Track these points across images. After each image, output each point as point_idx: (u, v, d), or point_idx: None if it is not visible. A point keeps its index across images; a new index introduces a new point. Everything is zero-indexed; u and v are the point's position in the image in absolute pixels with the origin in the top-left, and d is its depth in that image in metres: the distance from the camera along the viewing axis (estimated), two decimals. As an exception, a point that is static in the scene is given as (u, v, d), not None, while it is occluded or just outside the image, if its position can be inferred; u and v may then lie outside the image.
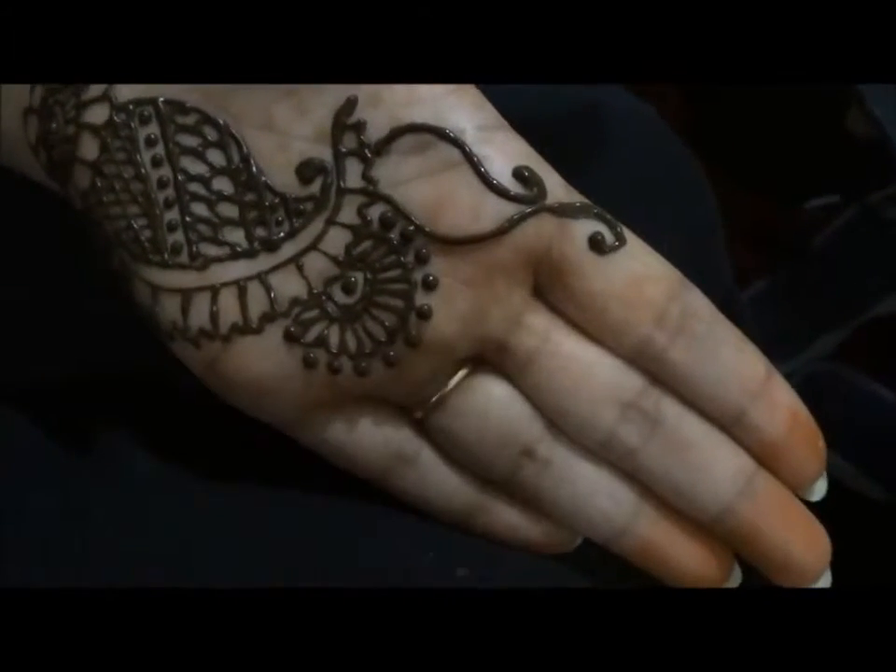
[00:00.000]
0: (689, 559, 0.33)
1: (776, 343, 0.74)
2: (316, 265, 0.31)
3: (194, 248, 0.32)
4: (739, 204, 0.53)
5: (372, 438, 0.33)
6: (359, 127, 0.31)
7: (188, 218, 0.32)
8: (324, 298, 0.31)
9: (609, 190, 0.33)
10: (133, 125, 0.32)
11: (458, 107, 0.31)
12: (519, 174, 0.31)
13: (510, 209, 0.31)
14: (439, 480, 0.34)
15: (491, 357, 0.33)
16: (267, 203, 0.31)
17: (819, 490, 0.33)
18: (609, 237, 0.31)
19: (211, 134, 0.31)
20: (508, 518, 0.34)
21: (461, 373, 0.33)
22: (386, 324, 0.31)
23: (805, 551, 0.33)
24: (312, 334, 0.32)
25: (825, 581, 0.33)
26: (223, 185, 0.32)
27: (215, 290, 0.32)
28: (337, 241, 0.31)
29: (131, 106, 0.32)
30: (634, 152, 0.44)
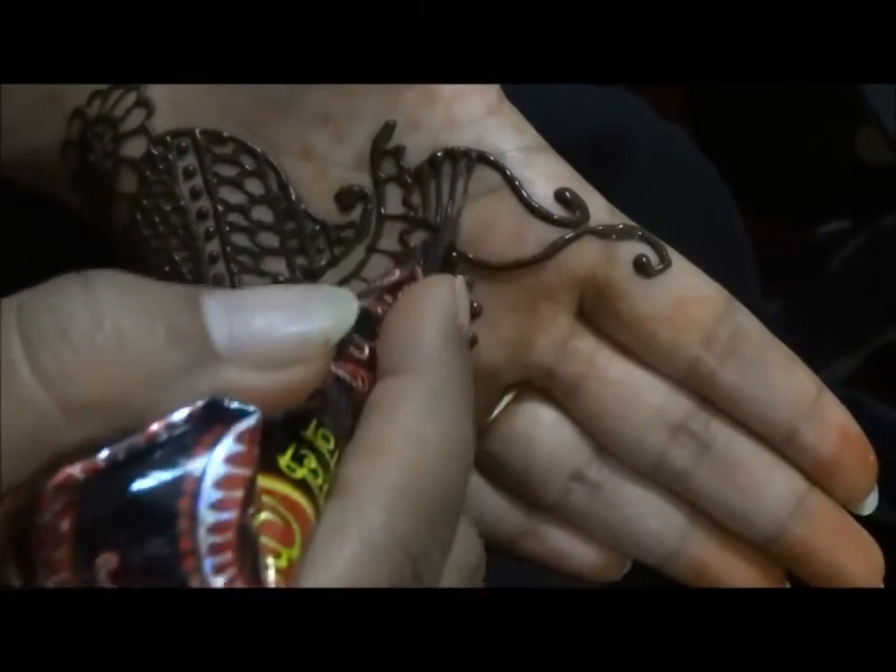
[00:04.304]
0: (741, 579, 0.33)
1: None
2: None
3: (236, 279, 0.32)
4: (752, 229, 0.53)
5: None
6: (398, 152, 0.31)
7: (228, 249, 0.32)
8: None
9: (639, 215, 0.32)
10: (170, 157, 0.32)
11: (499, 130, 0.31)
12: (561, 196, 0.30)
13: (553, 233, 0.30)
14: (486, 504, 0.33)
15: (537, 383, 0.32)
16: (307, 232, 0.31)
17: (870, 504, 0.33)
18: (654, 259, 0.31)
19: (249, 163, 0.31)
20: (556, 543, 0.33)
21: (507, 398, 0.32)
22: None
23: (859, 567, 0.32)
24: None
25: None
26: (263, 214, 0.31)
27: None
28: (379, 268, 0.31)
29: (168, 138, 0.31)
30: (664, 175, 0.43)
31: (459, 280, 0.28)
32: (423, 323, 0.26)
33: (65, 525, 0.19)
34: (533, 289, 0.31)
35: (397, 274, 0.29)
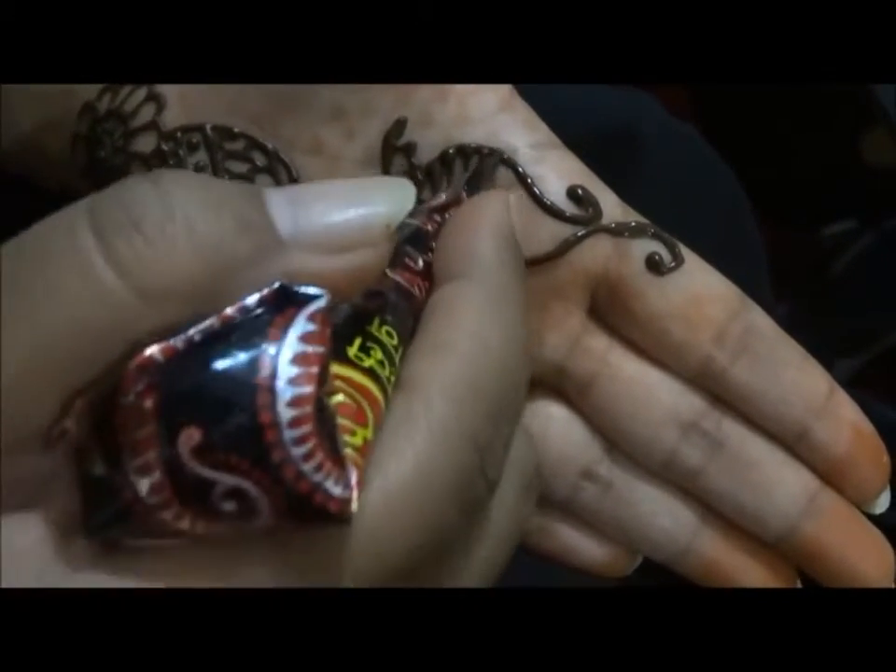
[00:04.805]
0: (752, 578, 0.33)
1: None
2: None
3: None
4: (757, 230, 0.53)
5: None
6: (410, 149, 0.31)
7: None
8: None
9: (651, 213, 0.32)
10: (181, 153, 0.31)
11: (511, 126, 0.30)
12: (574, 193, 0.30)
13: (565, 230, 0.30)
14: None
15: (549, 380, 0.32)
16: None
17: (882, 503, 0.33)
18: (666, 257, 0.31)
19: (259, 160, 0.31)
20: (566, 540, 0.33)
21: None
22: None
23: (870, 566, 0.32)
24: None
25: None
26: None
27: None
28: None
29: (178, 134, 0.31)
30: (676, 173, 0.43)
31: (513, 196, 0.29)
32: (479, 233, 0.27)
33: (148, 403, 0.20)
34: (545, 287, 0.31)
35: (443, 198, 0.29)
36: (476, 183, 0.30)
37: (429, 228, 0.28)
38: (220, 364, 0.20)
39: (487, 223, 0.27)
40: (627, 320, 0.31)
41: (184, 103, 0.31)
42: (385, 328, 0.25)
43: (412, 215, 0.28)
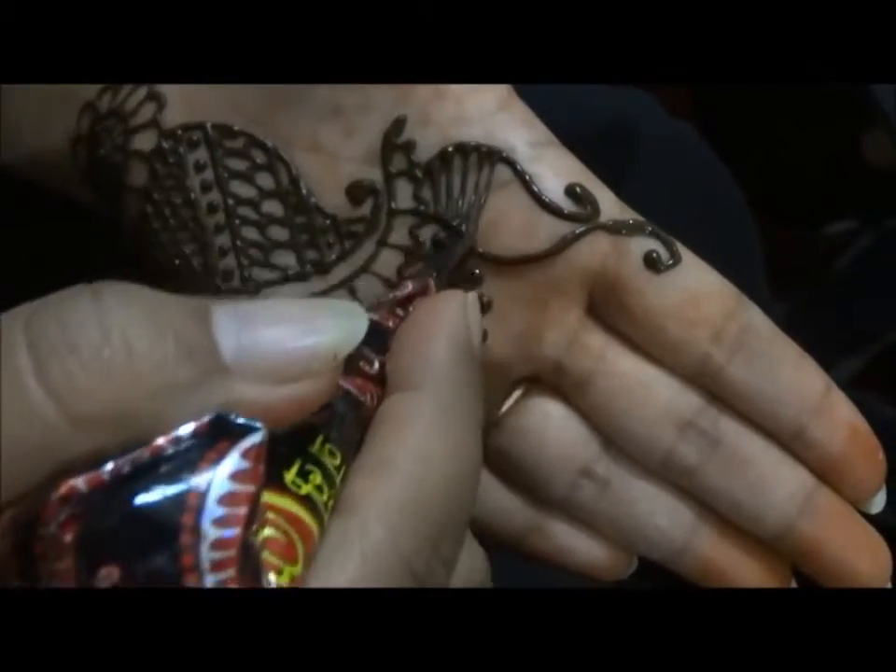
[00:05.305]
0: (748, 576, 0.33)
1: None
2: (369, 287, 0.31)
3: (245, 273, 0.32)
4: (758, 229, 0.53)
5: None
6: (409, 147, 0.31)
7: (238, 243, 0.32)
8: None
9: (649, 211, 0.33)
10: (181, 151, 0.32)
11: (509, 125, 0.31)
12: (571, 191, 0.30)
13: (563, 228, 0.30)
14: (494, 500, 0.33)
15: (547, 378, 0.32)
16: (317, 226, 0.31)
17: (878, 503, 0.33)
18: (664, 255, 0.31)
19: (259, 157, 0.31)
20: (564, 540, 0.33)
21: (517, 393, 0.32)
22: None
23: (866, 564, 0.32)
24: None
25: None
26: (273, 208, 0.31)
27: None
28: (389, 263, 0.31)
29: (179, 132, 0.31)
30: (674, 171, 0.43)
31: (472, 296, 0.28)
32: (433, 340, 0.26)
33: (68, 537, 0.19)
34: (543, 284, 0.31)
35: (409, 287, 0.29)
36: (442, 261, 0.30)
37: (390, 324, 0.28)
38: (145, 500, 0.19)
39: (442, 327, 0.26)
40: (625, 318, 0.31)
41: (184, 101, 0.32)
42: (328, 446, 0.24)
43: (374, 307, 0.28)
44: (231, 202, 0.32)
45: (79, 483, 0.19)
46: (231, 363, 0.21)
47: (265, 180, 0.31)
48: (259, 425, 0.20)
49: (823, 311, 0.89)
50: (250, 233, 0.32)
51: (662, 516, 0.33)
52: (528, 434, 0.32)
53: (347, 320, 0.23)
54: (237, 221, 0.32)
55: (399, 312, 0.28)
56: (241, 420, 0.20)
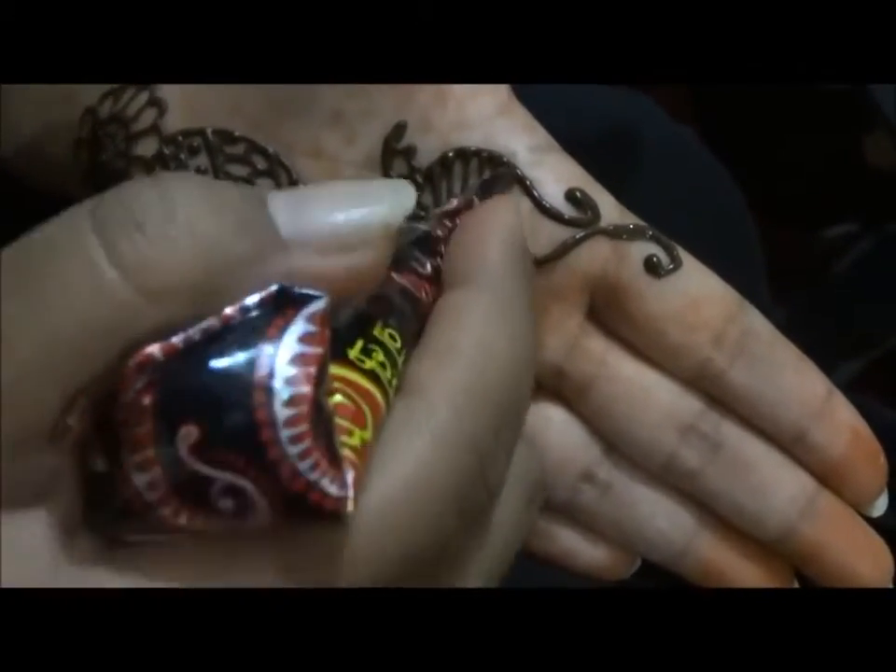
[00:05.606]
0: (750, 579, 0.33)
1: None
2: None
3: None
4: (758, 232, 0.53)
5: None
6: (409, 152, 0.31)
7: None
8: None
9: (650, 215, 0.33)
10: (182, 156, 0.32)
11: (509, 130, 0.31)
12: (572, 196, 0.31)
13: (564, 233, 0.30)
14: None
15: (548, 382, 0.32)
16: None
17: (880, 506, 0.33)
18: (664, 259, 0.31)
19: (260, 163, 0.31)
20: (565, 542, 0.33)
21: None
22: None
23: (868, 567, 0.32)
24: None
25: None
26: None
27: None
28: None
29: (179, 138, 0.32)
30: (675, 176, 0.43)
31: (523, 203, 0.29)
32: (488, 240, 0.27)
33: (147, 400, 0.20)
34: (543, 289, 0.31)
35: (455, 203, 0.29)
36: (489, 188, 0.30)
37: (439, 232, 0.28)
38: (218, 363, 0.20)
39: (497, 230, 0.27)
40: (625, 322, 0.31)
41: (185, 106, 0.32)
42: (388, 330, 0.25)
43: (422, 219, 0.28)
44: None
45: (155, 350, 0.20)
46: (287, 237, 0.22)
47: (266, 186, 0.31)
48: (321, 293, 0.21)
49: (824, 314, 0.89)
50: None
51: (663, 519, 0.33)
52: (529, 439, 0.32)
53: (396, 192, 0.24)
54: None
55: (447, 223, 0.29)
56: (303, 290, 0.21)
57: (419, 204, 0.31)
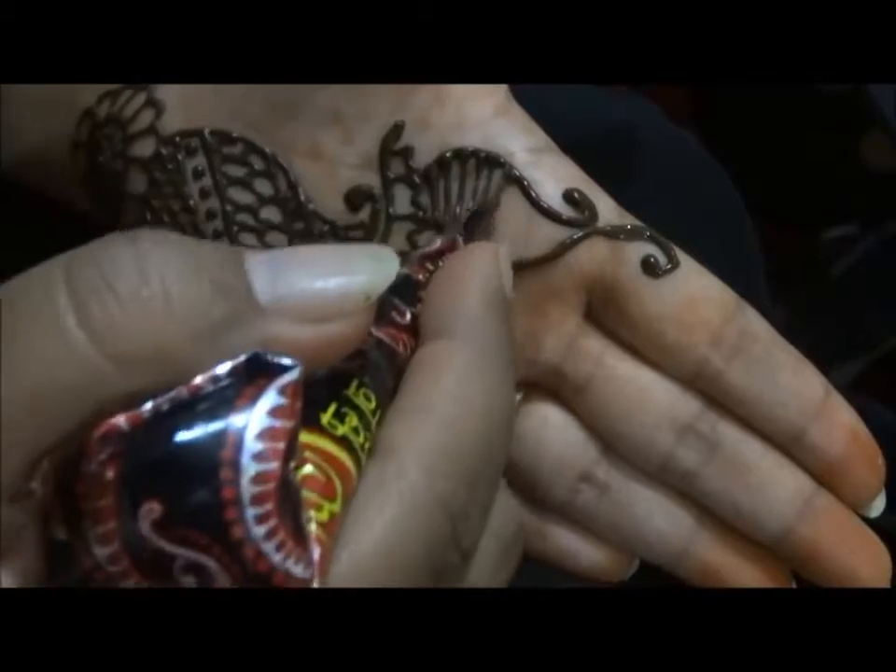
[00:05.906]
0: (748, 579, 0.33)
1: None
2: None
3: None
4: (757, 234, 0.53)
5: None
6: (407, 153, 0.31)
7: None
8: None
9: (648, 216, 0.33)
10: (179, 157, 0.32)
11: (507, 130, 0.31)
12: (570, 197, 0.31)
13: (561, 233, 0.30)
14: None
15: (546, 382, 0.32)
16: (316, 232, 0.31)
17: (877, 506, 0.33)
18: (662, 259, 0.31)
19: (258, 164, 0.31)
20: (564, 543, 0.33)
21: (516, 398, 0.32)
22: None
23: (866, 568, 0.32)
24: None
25: None
26: (271, 214, 0.31)
27: None
28: None
29: (177, 138, 0.32)
30: (672, 177, 0.43)
31: (503, 248, 0.28)
32: (466, 289, 0.26)
33: (111, 473, 0.19)
34: (541, 289, 0.31)
35: (438, 243, 0.29)
36: (475, 223, 0.30)
37: (420, 277, 0.28)
38: (185, 436, 0.20)
39: (475, 277, 0.27)
40: (623, 322, 0.31)
41: (182, 107, 0.32)
42: (362, 390, 0.24)
43: (403, 261, 0.28)
44: (229, 208, 0.32)
45: (120, 421, 0.20)
46: (265, 304, 0.21)
47: (263, 186, 0.31)
48: (294, 362, 0.21)
49: (822, 315, 0.89)
50: (248, 240, 0.32)
51: (661, 520, 0.33)
52: (527, 439, 0.32)
53: (378, 262, 0.23)
54: (235, 228, 0.32)
55: (429, 266, 0.28)
56: (277, 359, 0.21)
57: (417, 204, 0.31)
